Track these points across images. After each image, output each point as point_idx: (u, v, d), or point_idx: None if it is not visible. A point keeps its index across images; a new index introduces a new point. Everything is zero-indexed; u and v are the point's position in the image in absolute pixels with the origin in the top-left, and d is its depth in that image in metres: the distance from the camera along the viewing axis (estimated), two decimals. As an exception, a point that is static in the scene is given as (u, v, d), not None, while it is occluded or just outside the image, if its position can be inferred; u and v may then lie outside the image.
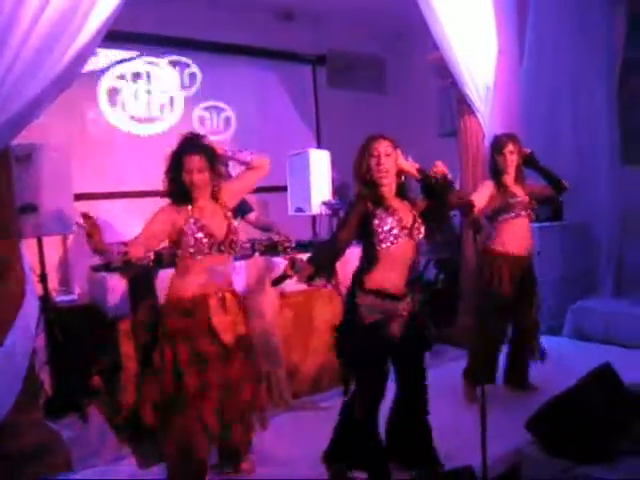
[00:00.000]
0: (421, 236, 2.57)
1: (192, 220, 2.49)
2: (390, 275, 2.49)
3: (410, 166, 2.57)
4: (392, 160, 2.51)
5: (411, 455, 2.69)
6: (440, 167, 2.60)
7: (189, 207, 2.52)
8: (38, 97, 2.70)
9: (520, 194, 3.43)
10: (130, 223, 3.49)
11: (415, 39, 5.90)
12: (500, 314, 3.44)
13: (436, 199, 2.59)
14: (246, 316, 2.74)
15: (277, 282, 2.48)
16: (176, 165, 2.49)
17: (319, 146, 6.12)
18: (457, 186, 4.92)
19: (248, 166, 2.69)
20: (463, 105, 4.67)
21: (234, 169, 2.92)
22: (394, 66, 7.22)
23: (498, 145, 3.45)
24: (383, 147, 2.51)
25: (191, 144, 2.51)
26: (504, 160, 3.41)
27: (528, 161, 3.46)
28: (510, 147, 3.40)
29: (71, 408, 3.49)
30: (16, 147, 3.18)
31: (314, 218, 4.63)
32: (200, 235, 2.48)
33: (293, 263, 2.34)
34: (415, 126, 6.68)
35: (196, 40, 5.70)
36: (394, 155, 2.53)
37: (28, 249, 3.02)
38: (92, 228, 2.24)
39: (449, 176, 2.63)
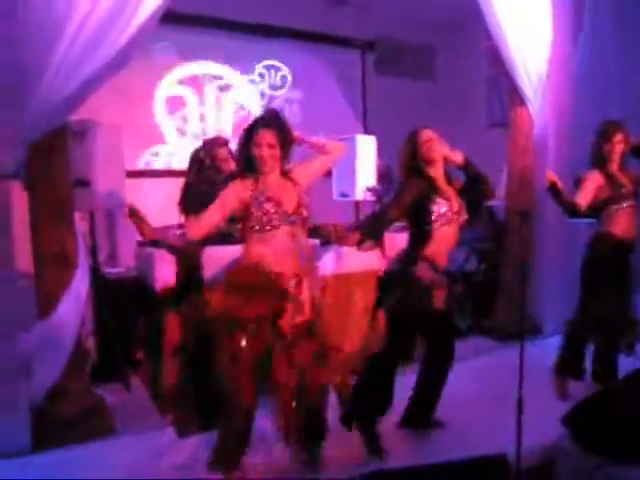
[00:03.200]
0: (464, 220, 2.79)
1: (259, 192, 2.45)
2: (438, 253, 2.73)
3: (454, 155, 2.79)
4: (439, 144, 2.74)
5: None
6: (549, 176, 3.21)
7: (254, 181, 2.48)
8: (94, 76, 2.79)
9: (627, 183, 3.37)
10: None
11: (466, 27, 5.82)
12: (604, 298, 3.36)
13: (476, 187, 2.82)
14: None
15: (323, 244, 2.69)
16: (247, 138, 2.49)
17: (366, 132, 6.11)
18: (504, 179, 4.90)
19: (321, 150, 2.68)
20: (515, 95, 4.61)
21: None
22: (444, 54, 7.13)
23: (607, 133, 3.37)
24: (429, 134, 2.75)
25: (265, 120, 2.51)
26: (612, 148, 3.35)
27: (637, 151, 3.39)
28: (619, 136, 3.34)
29: (115, 376, 3.63)
30: (72, 124, 3.29)
31: (357, 204, 4.64)
32: (267, 206, 2.43)
33: (336, 230, 2.50)
34: (464, 116, 6.62)
35: (245, 23, 5.75)
36: (439, 143, 2.75)
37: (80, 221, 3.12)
38: (139, 222, 2.23)
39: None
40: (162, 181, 5.28)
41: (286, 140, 2.51)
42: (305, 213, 2.54)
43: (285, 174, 2.57)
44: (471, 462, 2.04)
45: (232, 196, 2.46)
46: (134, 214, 2.25)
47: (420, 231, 2.73)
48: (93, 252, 3.65)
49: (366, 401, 2.83)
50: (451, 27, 6.68)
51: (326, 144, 2.67)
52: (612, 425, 2.54)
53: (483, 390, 3.46)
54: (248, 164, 2.50)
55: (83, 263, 2.99)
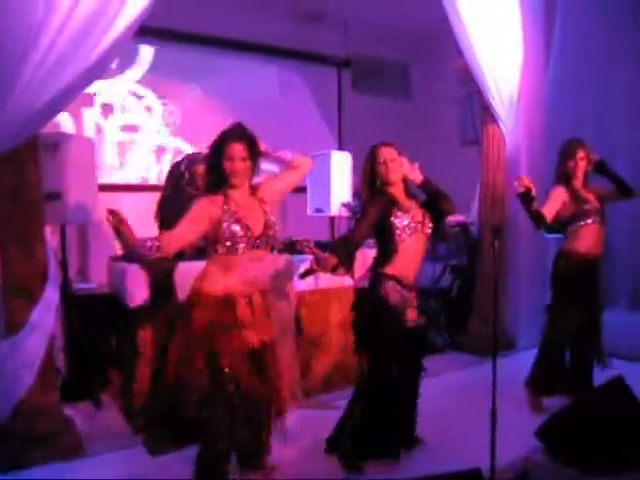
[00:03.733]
0: (429, 230, 2.78)
1: (228, 212, 2.38)
2: (406, 266, 2.71)
3: (413, 174, 2.77)
4: (398, 165, 2.73)
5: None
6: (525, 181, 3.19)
7: (224, 198, 2.42)
8: (68, 88, 2.75)
9: (591, 199, 3.42)
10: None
11: (442, 46, 5.91)
12: (571, 313, 3.38)
13: (435, 205, 2.79)
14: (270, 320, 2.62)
15: (304, 275, 2.66)
16: (217, 152, 2.42)
17: (340, 149, 6.14)
18: (477, 194, 4.97)
19: (289, 165, 2.65)
20: (487, 113, 4.68)
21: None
22: (420, 72, 7.23)
23: (569, 151, 3.44)
24: (388, 154, 2.73)
25: (235, 132, 2.45)
26: (575, 166, 3.41)
27: (599, 168, 3.46)
28: (581, 153, 3.40)
29: (85, 395, 3.55)
30: (44, 136, 3.25)
31: (332, 219, 4.65)
32: (236, 228, 2.38)
33: (317, 258, 2.50)
34: (438, 133, 6.71)
35: (222, 38, 5.76)
36: (399, 160, 2.74)
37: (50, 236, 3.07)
38: (119, 224, 2.16)
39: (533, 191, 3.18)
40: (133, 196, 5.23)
41: (255, 153, 2.48)
42: (272, 232, 2.50)
43: (253, 190, 2.54)
44: (446, 477, 2.04)
45: (202, 213, 2.39)
46: (115, 218, 2.11)
47: (386, 247, 2.72)
48: (63, 267, 3.59)
49: (366, 441, 2.73)
50: (427, 45, 6.79)
51: (293, 159, 2.64)
52: (584, 437, 2.57)
53: (458, 404, 3.47)
54: (219, 178, 2.45)
55: (54, 276, 2.93)
